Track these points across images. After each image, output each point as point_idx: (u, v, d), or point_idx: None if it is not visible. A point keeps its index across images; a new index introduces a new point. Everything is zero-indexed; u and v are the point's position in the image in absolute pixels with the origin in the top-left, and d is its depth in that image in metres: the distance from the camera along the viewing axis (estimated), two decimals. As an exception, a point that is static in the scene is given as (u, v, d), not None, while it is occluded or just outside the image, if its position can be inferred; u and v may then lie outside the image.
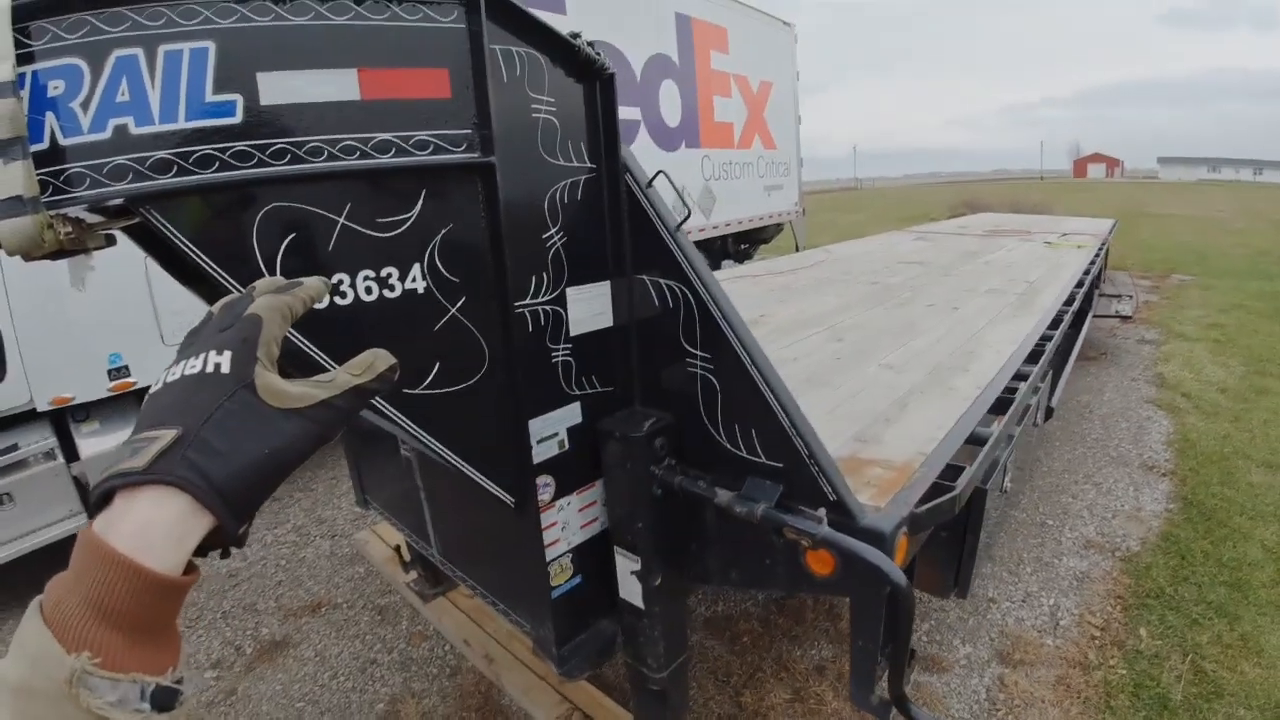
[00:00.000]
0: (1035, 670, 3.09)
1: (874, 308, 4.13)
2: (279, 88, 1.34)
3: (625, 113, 8.36)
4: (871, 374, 2.73)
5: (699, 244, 9.60)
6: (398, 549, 3.34)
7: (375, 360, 0.68)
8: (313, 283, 0.74)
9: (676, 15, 9.08)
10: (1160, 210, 32.49)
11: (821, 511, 1.54)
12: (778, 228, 12.29)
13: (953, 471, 1.89)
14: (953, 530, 2.20)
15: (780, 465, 1.66)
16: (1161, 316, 9.99)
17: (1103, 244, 7.92)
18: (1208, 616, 3.47)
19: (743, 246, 11.42)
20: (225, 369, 0.61)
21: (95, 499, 0.55)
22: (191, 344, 0.64)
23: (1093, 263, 6.26)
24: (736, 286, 5.13)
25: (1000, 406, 2.43)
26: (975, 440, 2.11)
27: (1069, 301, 4.38)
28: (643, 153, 8.57)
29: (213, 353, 0.61)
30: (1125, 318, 7.66)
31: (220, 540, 0.59)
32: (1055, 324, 3.70)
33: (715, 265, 9.71)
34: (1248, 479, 4.91)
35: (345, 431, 3.15)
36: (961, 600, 3.28)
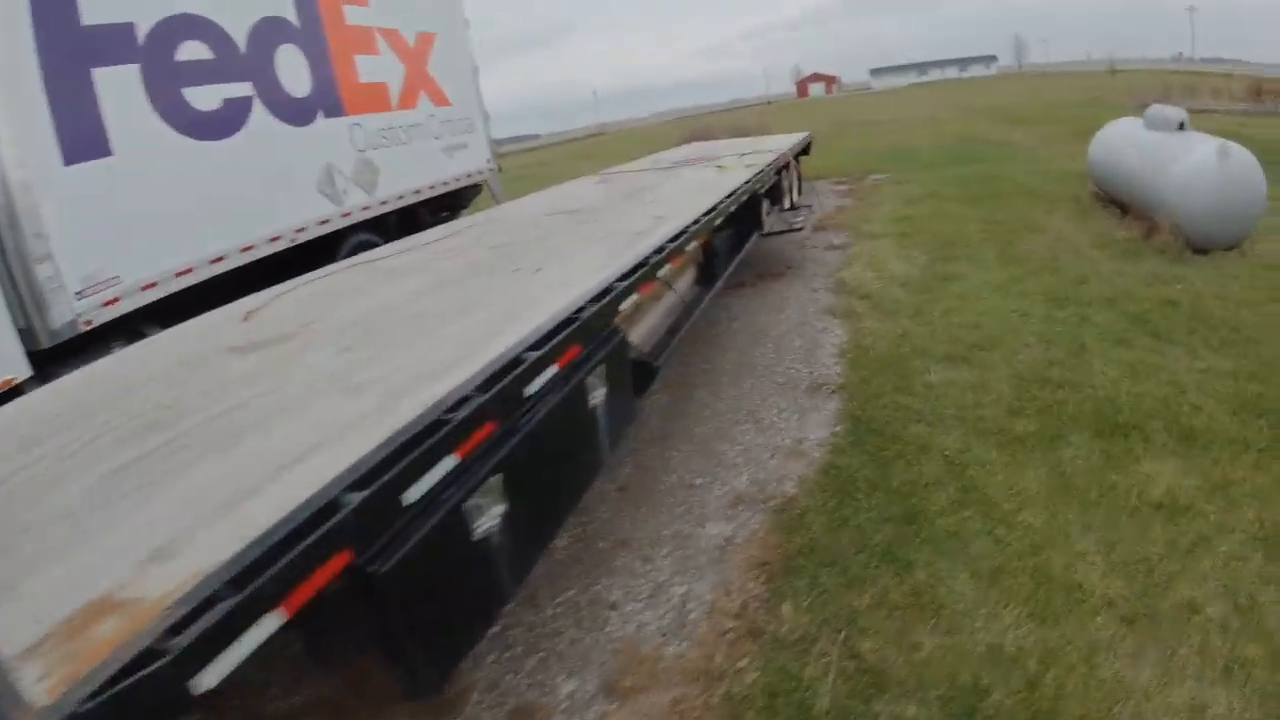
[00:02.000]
0: (647, 698, 2.52)
1: (454, 287, 3.37)
2: None
3: (233, 90, 6.97)
4: (314, 412, 1.92)
5: (368, 223, 8.55)
6: None
7: None
8: None
9: (289, -31, 7.79)
10: (869, 117, 35.00)
11: None
12: (475, 189, 11.42)
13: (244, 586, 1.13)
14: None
15: None
16: (852, 219, 10.25)
17: (778, 158, 7.79)
18: (871, 568, 3.01)
19: (443, 215, 10.48)
20: None
21: None
22: None
23: (749, 181, 5.96)
24: (347, 276, 4.21)
25: (436, 431, 1.71)
26: (332, 510, 1.37)
27: (696, 225, 3.89)
28: (264, 133, 7.29)
29: None
30: (797, 230, 7.58)
31: None
32: (639, 268, 3.12)
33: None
34: (925, 379, 4.73)
35: None
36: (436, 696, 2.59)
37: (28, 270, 4.73)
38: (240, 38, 7.08)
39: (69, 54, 5.42)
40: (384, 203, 8.79)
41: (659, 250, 3.42)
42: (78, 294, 5.05)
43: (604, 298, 2.69)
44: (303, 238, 7.49)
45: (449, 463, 1.68)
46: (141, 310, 5.56)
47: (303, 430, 1.74)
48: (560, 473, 2.33)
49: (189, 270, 6.16)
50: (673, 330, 4.16)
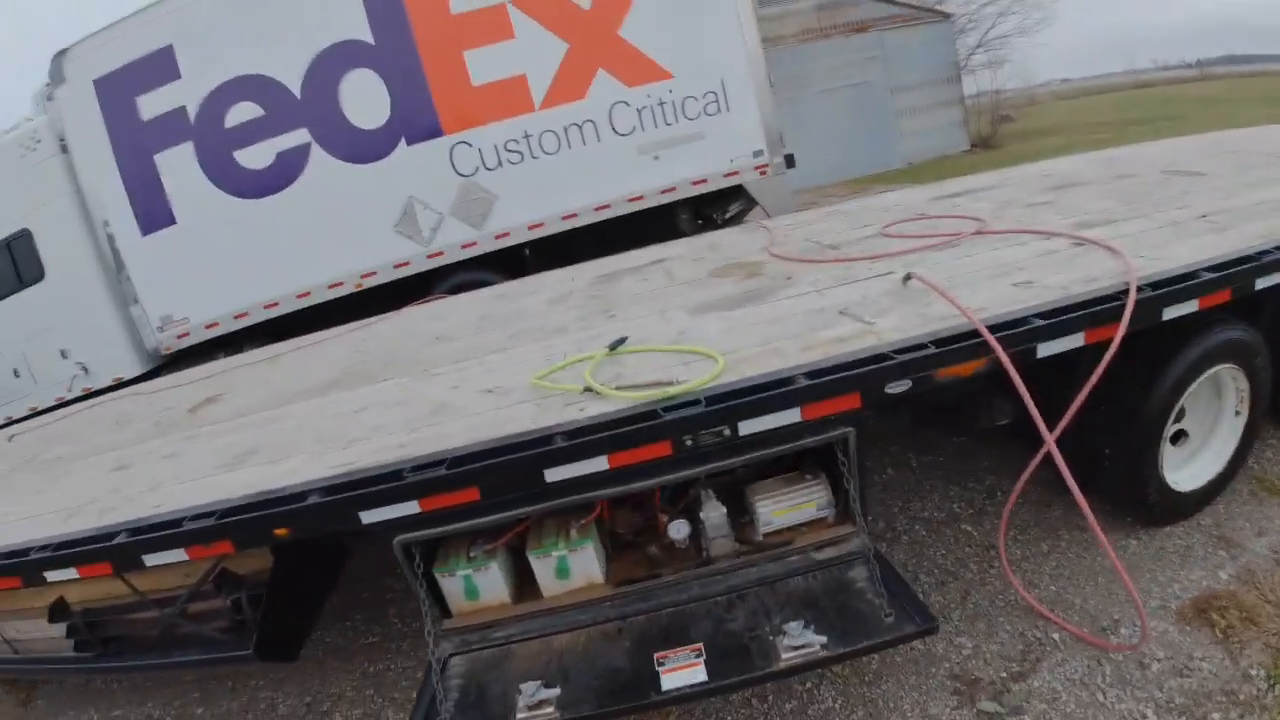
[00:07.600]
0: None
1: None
2: None
3: (288, 140, 6.53)
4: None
5: (477, 260, 7.50)
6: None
7: None
8: None
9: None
10: None
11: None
12: (740, 198, 7.96)
13: None
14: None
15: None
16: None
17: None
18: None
19: (708, 218, 8.00)
20: None
21: None
22: None
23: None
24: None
25: None
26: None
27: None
28: (322, 178, 7.09)
29: None
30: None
31: None
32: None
33: (508, 275, 6.98)
34: None
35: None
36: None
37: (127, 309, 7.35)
38: (296, 83, 6.95)
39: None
40: (503, 235, 7.47)
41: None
42: (158, 328, 7.31)
43: None
44: (371, 282, 7.26)
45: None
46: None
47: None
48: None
49: (244, 314, 7.38)
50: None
